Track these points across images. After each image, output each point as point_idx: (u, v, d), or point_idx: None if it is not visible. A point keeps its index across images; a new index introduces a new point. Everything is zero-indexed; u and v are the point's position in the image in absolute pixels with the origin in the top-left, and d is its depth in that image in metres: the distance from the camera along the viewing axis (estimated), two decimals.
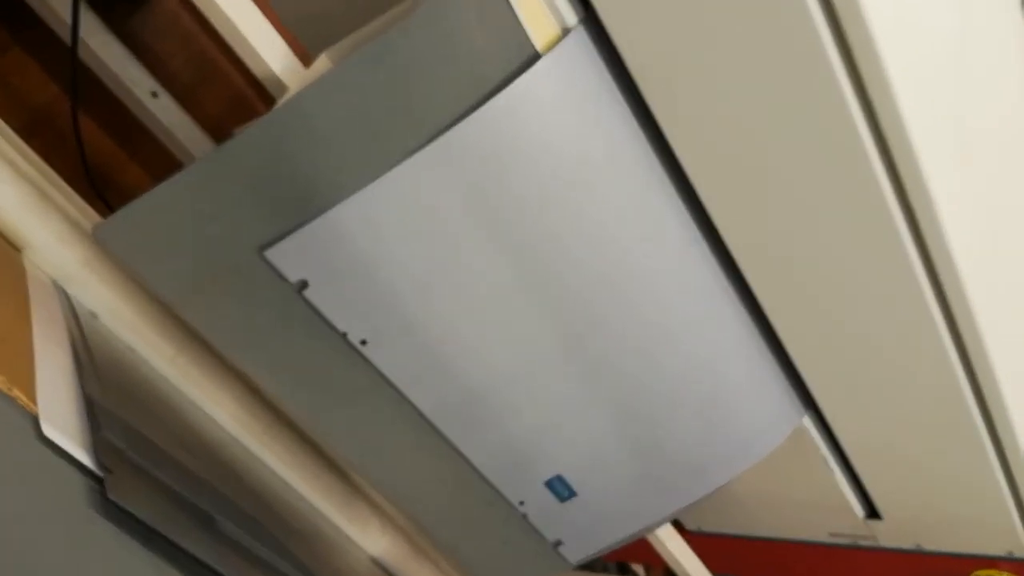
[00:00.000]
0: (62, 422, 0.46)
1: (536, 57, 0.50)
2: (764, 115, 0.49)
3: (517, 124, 0.51)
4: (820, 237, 0.54)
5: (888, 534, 0.75)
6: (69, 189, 0.70)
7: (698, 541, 0.88)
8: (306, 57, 0.57)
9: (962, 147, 0.52)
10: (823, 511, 0.76)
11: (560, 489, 0.67)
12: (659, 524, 0.71)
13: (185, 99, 0.86)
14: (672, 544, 0.80)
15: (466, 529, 0.70)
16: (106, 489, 0.42)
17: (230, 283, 0.54)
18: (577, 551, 0.71)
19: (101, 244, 0.55)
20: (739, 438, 0.65)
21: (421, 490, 0.67)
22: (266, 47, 0.52)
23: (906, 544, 0.75)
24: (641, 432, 0.64)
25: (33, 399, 0.46)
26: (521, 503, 0.68)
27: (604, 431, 0.63)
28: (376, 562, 0.85)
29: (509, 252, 0.55)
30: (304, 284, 0.54)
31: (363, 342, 0.57)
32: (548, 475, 0.66)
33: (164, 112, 0.82)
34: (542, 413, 0.62)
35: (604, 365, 0.60)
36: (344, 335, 0.56)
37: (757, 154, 0.51)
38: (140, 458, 0.51)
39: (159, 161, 0.92)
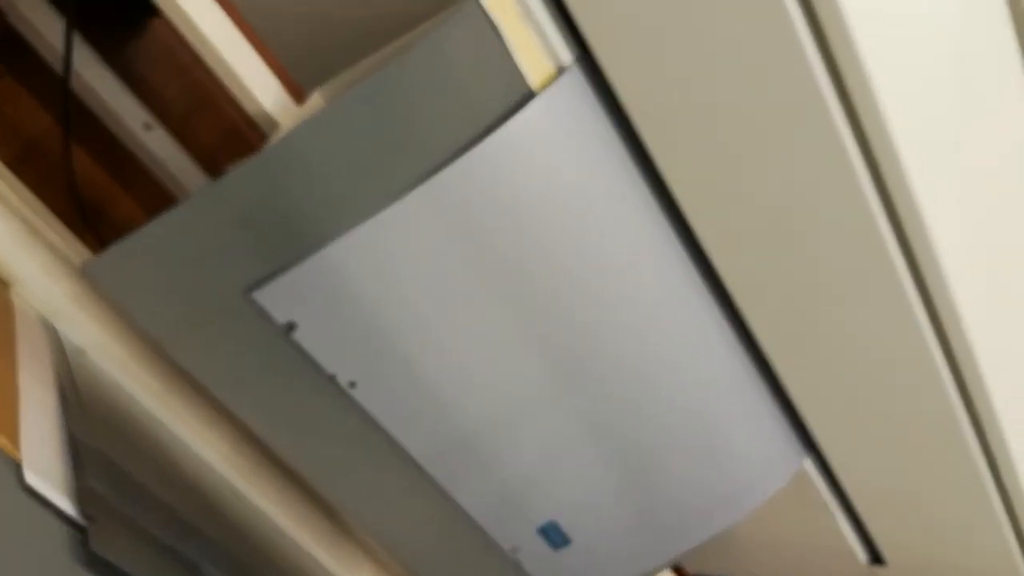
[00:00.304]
0: (45, 469, 0.45)
1: (531, 96, 0.50)
2: (762, 151, 0.48)
3: (512, 163, 0.51)
4: (822, 279, 0.53)
5: None
6: (59, 224, 0.69)
7: None
8: (299, 93, 0.56)
9: (961, 170, 0.51)
10: (825, 556, 0.75)
11: (554, 536, 0.65)
12: (658, 570, 0.70)
13: (179, 130, 0.85)
14: None
15: (464, 568, 0.68)
16: (89, 540, 0.41)
17: (219, 323, 0.53)
18: None
19: (91, 281, 0.54)
20: (739, 482, 0.64)
21: (412, 534, 0.66)
22: (259, 85, 0.51)
23: None
24: (638, 478, 0.62)
25: (17, 445, 0.44)
26: (514, 549, 0.66)
27: (599, 477, 0.62)
28: None
29: (504, 291, 0.54)
30: (292, 326, 0.53)
31: (352, 384, 0.56)
32: (542, 521, 0.65)
33: (157, 144, 0.82)
34: (536, 458, 0.61)
35: (600, 408, 0.59)
36: (333, 377, 0.55)
37: (755, 191, 0.50)
38: (125, 504, 0.49)
39: (152, 193, 0.91)
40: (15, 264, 0.64)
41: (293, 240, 0.50)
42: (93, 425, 0.58)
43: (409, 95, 0.48)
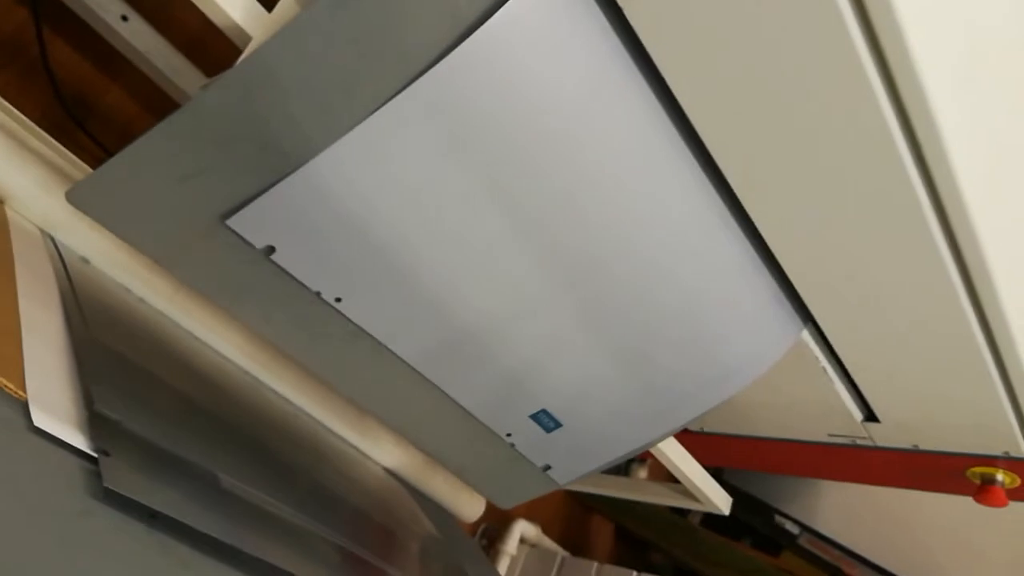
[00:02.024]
0: (53, 404, 0.46)
1: None
2: (752, 30, 0.46)
3: (496, 62, 0.49)
4: (812, 152, 0.52)
5: (886, 436, 0.76)
6: (48, 136, 0.68)
7: (700, 440, 0.90)
8: None
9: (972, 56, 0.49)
10: (822, 415, 0.77)
11: (545, 421, 0.67)
12: (653, 444, 0.72)
13: (157, 19, 0.82)
14: (669, 449, 0.81)
15: (463, 454, 0.71)
16: (103, 475, 0.43)
17: (203, 246, 0.53)
18: (566, 474, 0.73)
19: (76, 207, 0.54)
20: (737, 357, 0.65)
21: (416, 422, 0.68)
22: None
23: (903, 444, 0.76)
24: (635, 361, 0.64)
25: (22, 383, 0.45)
26: (508, 435, 0.69)
27: (594, 367, 0.63)
28: (390, 473, 0.88)
29: (492, 194, 0.53)
30: (271, 249, 0.53)
31: (338, 300, 0.56)
32: (533, 410, 0.67)
33: (136, 36, 0.79)
34: (527, 354, 0.62)
35: (594, 300, 0.59)
36: (318, 294, 0.56)
37: (748, 73, 0.48)
38: (137, 424, 0.51)
39: (141, 81, 0.89)
40: (7, 180, 0.64)
41: (267, 161, 0.49)
42: (101, 335, 0.60)
43: None
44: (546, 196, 0.54)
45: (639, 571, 1.10)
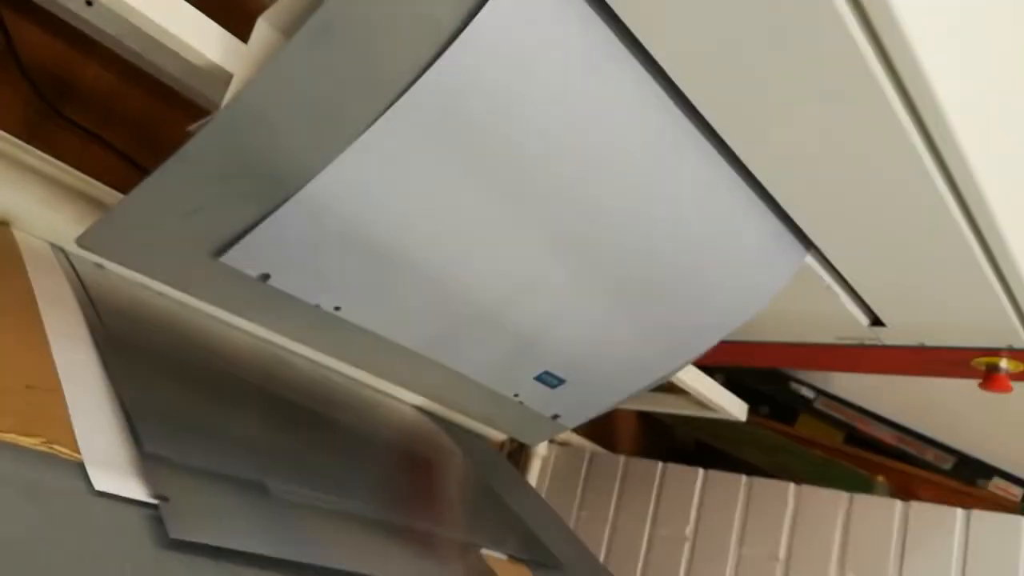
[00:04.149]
0: (106, 456, 0.48)
1: None
2: None
3: (481, 64, 0.49)
4: (794, 88, 0.51)
5: (892, 336, 0.79)
6: (39, 151, 0.68)
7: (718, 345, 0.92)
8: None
9: None
10: (830, 322, 0.79)
11: (549, 380, 0.71)
12: (663, 381, 0.75)
13: None
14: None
15: (479, 410, 0.75)
16: (167, 528, 0.45)
17: (208, 271, 0.55)
18: (574, 419, 0.78)
19: (87, 250, 0.55)
20: (741, 295, 0.67)
21: (431, 388, 0.72)
22: (197, 37, 0.48)
23: (910, 342, 0.79)
24: (635, 314, 0.66)
25: (73, 442, 0.47)
26: (516, 395, 0.72)
27: (593, 324, 0.66)
28: (421, 409, 0.91)
29: (487, 188, 0.54)
30: (266, 276, 0.55)
31: (337, 308, 0.58)
32: (537, 372, 0.70)
33: (104, 20, 0.76)
34: (527, 324, 0.65)
35: (594, 261, 0.61)
36: (316, 306, 0.58)
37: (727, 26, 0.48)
38: (185, 453, 0.53)
39: (116, 55, 0.87)
40: (9, 201, 0.65)
41: (260, 193, 0.51)
42: (128, 345, 0.61)
43: (364, 16, 0.46)
44: (541, 177, 0.55)
45: (663, 455, 1.16)
